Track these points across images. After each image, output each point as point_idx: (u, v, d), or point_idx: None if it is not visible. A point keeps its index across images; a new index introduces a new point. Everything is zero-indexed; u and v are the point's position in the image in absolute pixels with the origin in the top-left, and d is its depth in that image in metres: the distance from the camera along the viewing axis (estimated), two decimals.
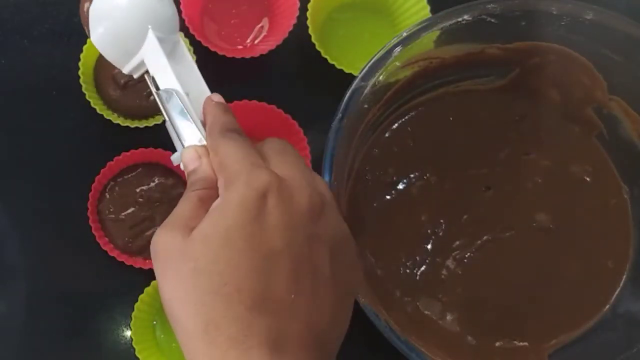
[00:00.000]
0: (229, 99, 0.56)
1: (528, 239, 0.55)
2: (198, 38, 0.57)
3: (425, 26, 0.50)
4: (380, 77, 0.50)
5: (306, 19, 0.57)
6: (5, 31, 0.60)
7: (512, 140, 0.56)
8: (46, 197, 0.58)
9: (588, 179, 0.56)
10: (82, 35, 0.57)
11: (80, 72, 0.57)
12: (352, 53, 0.60)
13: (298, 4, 0.57)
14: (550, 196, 0.56)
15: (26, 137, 0.59)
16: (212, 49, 0.57)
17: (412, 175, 0.56)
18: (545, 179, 0.56)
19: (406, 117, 0.56)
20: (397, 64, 0.51)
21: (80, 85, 0.57)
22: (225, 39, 0.61)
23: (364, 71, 0.49)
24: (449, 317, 0.54)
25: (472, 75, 0.56)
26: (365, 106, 0.51)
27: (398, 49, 0.49)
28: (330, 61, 0.57)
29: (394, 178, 0.56)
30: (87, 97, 0.57)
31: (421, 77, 0.54)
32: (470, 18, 0.50)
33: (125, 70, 0.46)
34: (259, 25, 0.61)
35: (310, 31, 0.57)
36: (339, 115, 0.49)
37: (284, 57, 0.59)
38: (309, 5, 0.57)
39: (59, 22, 0.60)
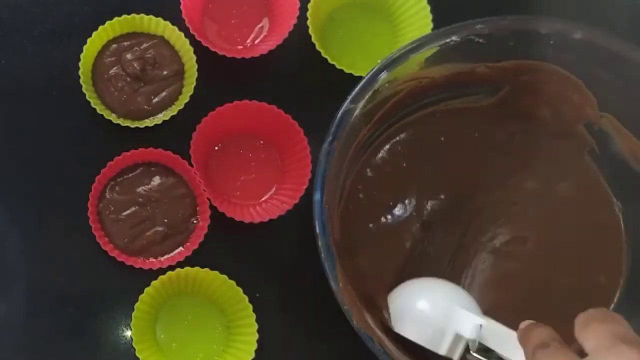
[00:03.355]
0: (229, 99, 0.56)
1: (520, 256, 0.55)
2: (198, 38, 0.57)
3: (414, 48, 0.50)
4: (370, 98, 0.50)
5: (306, 19, 0.57)
6: (5, 31, 0.60)
7: (504, 159, 0.56)
8: (46, 197, 0.58)
9: (579, 195, 0.56)
10: (82, 35, 0.58)
11: (80, 72, 0.57)
12: (352, 53, 0.60)
13: (298, 4, 0.57)
14: (541, 213, 0.55)
15: (26, 137, 0.59)
16: (212, 49, 0.57)
17: (405, 197, 0.55)
18: (537, 196, 0.56)
19: (398, 137, 0.56)
20: (387, 85, 0.51)
21: (80, 85, 0.57)
22: (226, 39, 0.61)
23: (353, 93, 0.49)
24: None
25: (462, 94, 0.56)
26: (356, 127, 0.51)
27: (386, 71, 0.49)
28: (330, 61, 0.57)
29: (388, 199, 0.55)
30: (87, 97, 0.57)
31: (411, 97, 0.54)
32: (458, 39, 0.50)
33: (441, 351, 0.48)
34: (259, 25, 0.61)
35: (310, 31, 0.57)
36: (330, 137, 0.48)
37: (284, 57, 0.59)
38: (309, 5, 0.57)
39: (59, 22, 0.60)
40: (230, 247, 0.58)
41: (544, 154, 0.56)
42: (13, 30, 0.60)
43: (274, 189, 0.58)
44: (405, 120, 0.56)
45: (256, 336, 0.53)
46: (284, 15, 0.59)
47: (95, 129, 0.59)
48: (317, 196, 0.48)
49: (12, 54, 0.60)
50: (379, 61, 0.49)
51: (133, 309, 0.54)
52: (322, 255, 0.47)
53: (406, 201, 0.55)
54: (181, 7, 0.57)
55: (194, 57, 0.58)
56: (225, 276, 0.54)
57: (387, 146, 0.56)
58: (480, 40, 0.50)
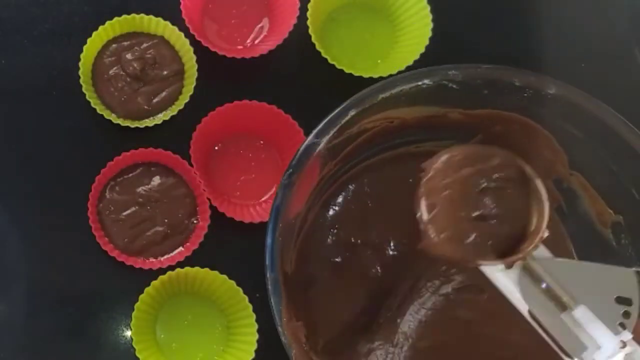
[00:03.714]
0: (229, 99, 0.57)
1: (478, 309, 0.53)
2: (198, 38, 0.57)
3: (384, 88, 0.48)
4: (336, 134, 0.48)
5: (306, 19, 0.57)
6: (5, 31, 0.60)
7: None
8: (46, 197, 0.58)
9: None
10: (82, 35, 0.58)
11: (80, 72, 0.57)
12: (352, 53, 0.60)
13: (298, 4, 0.57)
14: None
15: (26, 137, 0.59)
16: (212, 49, 0.57)
17: (368, 236, 0.54)
18: None
19: (365, 177, 0.55)
20: (354, 122, 0.49)
21: (80, 85, 0.57)
22: (226, 39, 0.61)
23: (318, 128, 0.48)
24: None
25: (434, 137, 0.55)
26: (321, 161, 0.50)
27: (354, 109, 0.48)
28: (330, 61, 0.57)
29: (350, 237, 0.54)
30: (87, 97, 0.57)
31: (381, 136, 0.53)
32: (431, 83, 0.48)
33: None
34: (259, 25, 0.61)
35: (310, 31, 0.57)
36: (290, 170, 0.47)
37: (284, 57, 0.59)
38: (309, 5, 0.57)
39: (59, 22, 0.60)
40: (230, 247, 0.58)
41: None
42: (13, 30, 0.60)
43: (274, 189, 0.58)
44: (374, 160, 0.55)
45: (256, 336, 0.54)
46: (284, 15, 0.59)
47: (95, 129, 0.59)
48: (270, 227, 0.46)
49: (12, 54, 0.60)
50: (348, 100, 0.48)
51: (133, 309, 0.54)
52: (269, 288, 0.46)
53: (369, 240, 0.54)
54: (181, 7, 0.57)
55: (194, 57, 0.58)
56: (225, 276, 0.54)
57: (354, 184, 0.55)
58: (454, 86, 0.49)
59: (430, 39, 0.57)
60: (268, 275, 0.46)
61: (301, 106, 0.56)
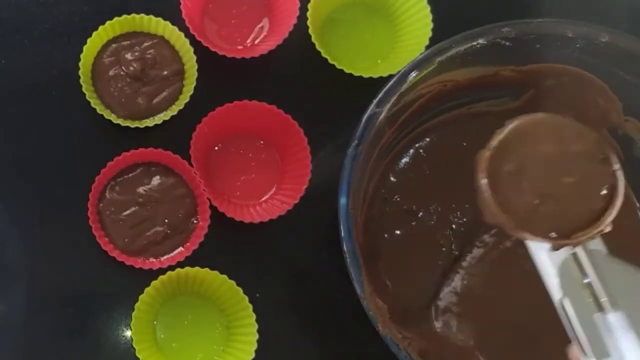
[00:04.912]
0: (229, 98, 0.57)
1: None
2: (198, 38, 0.57)
3: (440, 51, 0.50)
4: (395, 102, 0.49)
5: (306, 19, 0.57)
6: (5, 31, 0.60)
7: None
8: (46, 197, 0.58)
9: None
10: (82, 35, 0.58)
11: (80, 72, 0.57)
12: (352, 53, 0.60)
13: (298, 4, 0.57)
14: None
15: (26, 137, 0.59)
16: (212, 49, 0.57)
17: (429, 203, 0.55)
18: None
19: (420, 142, 0.56)
20: (411, 88, 0.50)
21: (80, 85, 0.57)
22: (226, 39, 0.61)
23: (378, 97, 0.49)
24: (462, 337, 0.53)
25: (486, 97, 0.56)
26: (380, 130, 0.51)
27: (413, 74, 0.49)
28: (330, 61, 0.57)
29: (411, 205, 0.55)
30: (87, 97, 0.57)
31: (435, 100, 0.54)
32: (485, 42, 0.50)
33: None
34: (259, 25, 0.61)
35: (310, 31, 0.57)
36: (355, 141, 0.48)
37: (284, 57, 0.59)
38: (309, 5, 0.57)
39: (59, 22, 0.60)
40: (230, 247, 0.58)
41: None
42: (13, 30, 0.60)
43: (274, 189, 0.58)
44: (428, 124, 0.56)
45: (256, 336, 0.54)
46: (284, 15, 0.59)
47: (95, 129, 0.59)
48: (342, 201, 0.47)
49: (12, 54, 0.60)
50: (405, 65, 0.49)
51: (133, 309, 0.54)
52: (348, 261, 0.47)
53: (430, 208, 0.55)
54: (181, 7, 0.57)
55: (194, 57, 0.58)
56: (225, 276, 0.54)
57: (410, 151, 0.56)
58: (507, 44, 0.50)
59: (430, 39, 0.57)
60: (345, 247, 0.47)
61: (301, 106, 0.56)
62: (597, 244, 0.43)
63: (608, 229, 0.43)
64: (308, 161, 0.55)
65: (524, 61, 0.52)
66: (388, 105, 0.49)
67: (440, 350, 0.52)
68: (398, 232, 0.55)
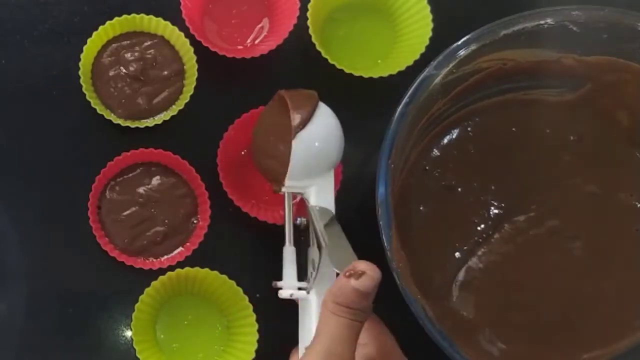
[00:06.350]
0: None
1: (570, 253, 0.54)
2: (198, 38, 0.57)
3: (506, 24, 0.49)
4: (453, 69, 0.49)
5: (306, 19, 0.57)
6: (5, 31, 0.60)
7: (571, 158, 0.55)
8: (46, 197, 0.58)
9: (638, 205, 0.54)
10: (82, 35, 0.58)
11: (80, 72, 0.57)
12: (352, 53, 0.60)
13: (298, 4, 0.57)
14: (596, 217, 0.54)
15: (26, 137, 0.59)
16: (213, 49, 0.57)
17: (469, 181, 0.55)
18: (594, 201, 0.54)
19: (470, 121, 0.55)
20: (471, 58, 0.49)
21: (80, 85, 0.57)
22: (226, 39, 0.61)
23: (437, 60, 0.48)
24: (480, 316, 0.53)
25: (543, 85, 0.55)
26: (433, 96, 0.50)
27: (475, 44, 0.48)
28: (330, 61, 0.57)
29: (450, 181, 0.55)
30: (87, 97, 0.57)
31: (492, 78, 0.53)
32: (553, 22, 0.49)
33: (286, 183, 0.49)
34: (259, 25, 0.61)
35: (310, 31, 0.57)
36: (406, 99, 0.47)
37: (284, 57, 0.59)
38: (309, 5, 0.57)
39: (59, 22, 0.60)
40: (230, 247, 0.58)
41: (612, 160, 0.55)
42: (13, 30, 0.60)
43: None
44: (480, 104, 0.55)
45: (256, 336, 0.54)
46: (284, 15, 0.59)
47: (95, 129, 0.59)
48: (383, 159, 0.47)
49: (12, 54, 0.60)
50: (470, 34, 0.48)
51: (133, 309, 0.54)
52: (379, 211, 0.46)
53: (470, 187, 0.54)
54: (181, 7, 0.57)
55: (194, 57, 0.58)
56: (225, 276, 0.54)
57: (459, 128, 0.55)
58: (574, 29, 0.49)
59: (430, 39, 0.57)
60: (378, 192, 0.47)
61: None
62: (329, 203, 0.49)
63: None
64: None
65: (588, 51, 0.51)
66: (445, 71, 0.48)
67: (452, 325, 0.52)
68: (433, 205, 0.54)
